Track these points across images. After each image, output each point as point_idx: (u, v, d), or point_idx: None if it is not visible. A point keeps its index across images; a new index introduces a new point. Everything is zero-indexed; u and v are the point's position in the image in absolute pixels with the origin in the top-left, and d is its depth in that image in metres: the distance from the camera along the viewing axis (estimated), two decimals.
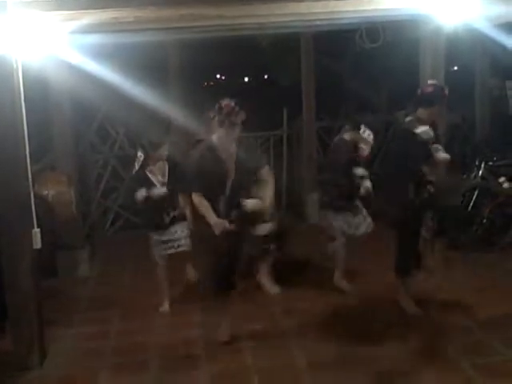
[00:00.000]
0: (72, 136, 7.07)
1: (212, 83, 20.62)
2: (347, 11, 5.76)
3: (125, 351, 4.96)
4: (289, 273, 6.35)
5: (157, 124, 7.88)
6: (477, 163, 7.27)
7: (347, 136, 5.84)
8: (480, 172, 7.17)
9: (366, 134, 5.76)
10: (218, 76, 20.85)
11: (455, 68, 12.31)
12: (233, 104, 4.59)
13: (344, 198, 5.78)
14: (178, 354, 4.84)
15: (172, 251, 5.65)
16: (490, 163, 7.26)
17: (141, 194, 5.47)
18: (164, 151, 5.59)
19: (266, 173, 4.90)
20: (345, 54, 9.86)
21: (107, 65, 6.02)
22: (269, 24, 6.57)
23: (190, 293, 5.94)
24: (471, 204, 6.87)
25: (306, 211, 8.51)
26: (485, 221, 6.82)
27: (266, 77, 17.20)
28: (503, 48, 6.37)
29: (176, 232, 5.65)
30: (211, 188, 4.70)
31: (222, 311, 5.02)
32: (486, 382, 4.18)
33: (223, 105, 4.59)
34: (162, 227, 5.60)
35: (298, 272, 6.50)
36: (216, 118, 4.68)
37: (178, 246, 5.66)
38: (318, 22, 6.48)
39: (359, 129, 5.74)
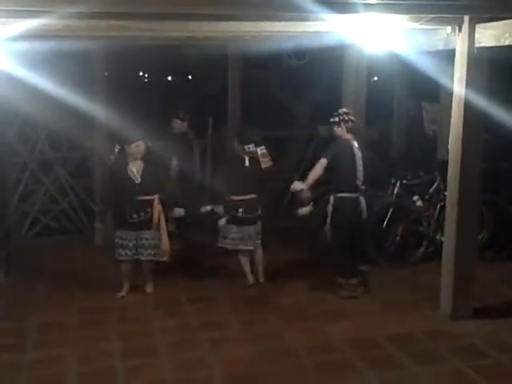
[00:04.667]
0: None
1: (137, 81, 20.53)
2: (276, 32, 5.93)
3: (43, 364, 4.88)
4: None
5: (81, 127, 7.84)
6: (392, 181, 7.57)
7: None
8: (395, 190, 7.47)
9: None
10: (141, 74, 20.83)
11: (375, 78, 12.71)
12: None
13: None
14: (97, 367, 4.84)
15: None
16: (405, 182, 7.56)
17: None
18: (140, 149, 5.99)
19: None
20: (272, 67, 10.04)
21: (36, 71, 5.96)
22: (198, 38, 6.66)
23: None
24: (386, 221, 7.14)
25: None
26: (398, 238, 7.14)
27: (189, 77, 17.30)
28: (420, 72, 6.70)
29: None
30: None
31: None
32: None
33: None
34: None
35: None
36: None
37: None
38: (246, 41, 6.61)
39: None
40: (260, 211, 6.39)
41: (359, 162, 6.10)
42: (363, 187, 6.14)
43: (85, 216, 8.44)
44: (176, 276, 6.67)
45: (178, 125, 7.44)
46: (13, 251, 7.16)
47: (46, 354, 5.03)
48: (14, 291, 6.38)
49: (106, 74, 8.28)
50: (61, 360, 4.92)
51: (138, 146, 6.00)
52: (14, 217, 7.98)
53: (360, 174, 6.09)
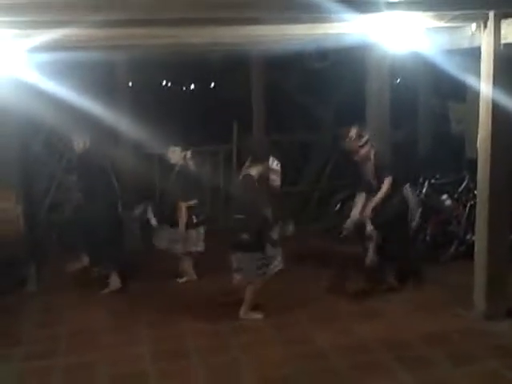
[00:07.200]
0: (17, 149, 7.00)
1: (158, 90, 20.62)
2: (298, 34, 5.92)
3: (74, 370, 4.91)
4: None
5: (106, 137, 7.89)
6: (420, 181, 7.50)
7: (254, 171, 5.53)
8: (424, 190, 7.40)
9: (275, 164, 5.94)
10: (164, 83, 20.91)
11: (398, 80, 12.60)
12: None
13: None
14: (128, 371, 4.85)
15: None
16: (433, 181, 7.49)
17: None
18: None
19: None
20: (294, 70, 10.01)
21: (60, 82, 6.05)
22: (221, 44, 6.68)
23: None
24: (415, 221, 7.06)
25: None
26: (428, 237, 7.06)
27: (212, 85, 17.33)
28: (445, 71, 6.64)
29: None
30: None
31: None
32: None
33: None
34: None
35: None
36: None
37: None
38: (268, 44, 6.60)
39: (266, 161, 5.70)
40: None
41: None
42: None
43: None
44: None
45: None
46: (43, 261, 7.22)
47: (77, 360, 5.06)
48: (45, 299, 6.41)
49: (130, 83, 8.34)
50: (92, 365, 4.95)
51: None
52: (43, 227, 8.03)
53: None
